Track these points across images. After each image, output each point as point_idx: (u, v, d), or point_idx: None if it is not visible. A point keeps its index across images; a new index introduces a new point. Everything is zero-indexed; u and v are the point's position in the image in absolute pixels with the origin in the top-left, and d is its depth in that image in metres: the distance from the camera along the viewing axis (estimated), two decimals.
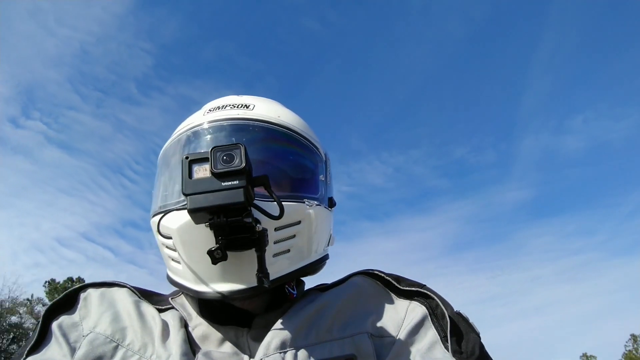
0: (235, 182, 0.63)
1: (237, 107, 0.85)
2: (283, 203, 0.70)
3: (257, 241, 0.66)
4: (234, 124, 0.81)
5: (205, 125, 0.83)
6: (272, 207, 0.70)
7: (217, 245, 0.64)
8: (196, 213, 0.63)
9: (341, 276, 0.86)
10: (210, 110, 0.86)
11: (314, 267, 0.84)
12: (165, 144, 0.90)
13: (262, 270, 0.66)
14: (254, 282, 0.68)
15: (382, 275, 0.82)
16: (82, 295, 0.78)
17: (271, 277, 0.70)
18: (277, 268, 0.74)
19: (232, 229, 0.64)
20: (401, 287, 0.79)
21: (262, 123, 0.82)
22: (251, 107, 0.85)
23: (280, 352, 0.67)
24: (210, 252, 0.63)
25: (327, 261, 0.91)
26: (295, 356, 0.67)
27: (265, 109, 0.86)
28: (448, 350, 0.68)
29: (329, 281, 0.87)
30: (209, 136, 0.82)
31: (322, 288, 0.84)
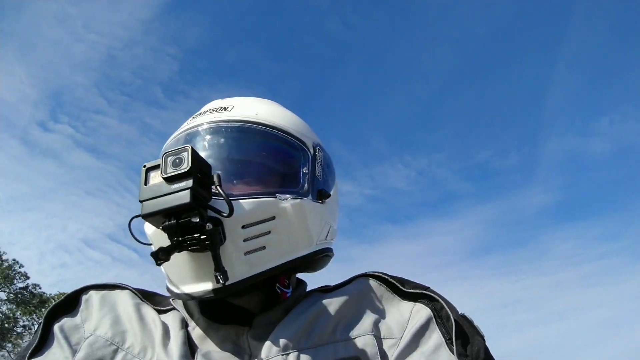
0: (182, 184, 0.64)
1: (216, 110, 0.86)
2: (253, 200, 0.72)
3: (207, 240, 0.66)
4: (207, 128, 0.82)
5: (184, 134, 0.84)
6: (243, 205, 0.71)
7: (159, 247, 0.64)
8: (150, 218, 0.65)
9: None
10: (192, 117, 0.88)
11: (309, 261, 0.82)
12: None
13: (218, 269, 0.66)
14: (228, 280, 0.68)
15: (386, 277, 0.81)
16: (84, 297, 0.78)
17: (246, 275, 0.71)
18: (253, 266, 0.73)
19: (183, 230, 0.65)
20: (405, 290, 0.78)
21: (234, 123, 0.82)
22: (229, 108, 0.85)
23: (282, 355, 0.66)
24: (153, 254, 0.64)
25: (333, 257, 0.89)
26: (298, 358, 0.66)
27: (243, 109, 0.85)
28: (453, 353, 0.67)
29: (334, 283, 0.85)
30: (187, 144, 0.82)
31: (325, 290, 0.83)
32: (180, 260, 0.69)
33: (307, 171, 0.84)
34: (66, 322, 0.73)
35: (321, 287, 0.86)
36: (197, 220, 0.64)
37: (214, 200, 0.68)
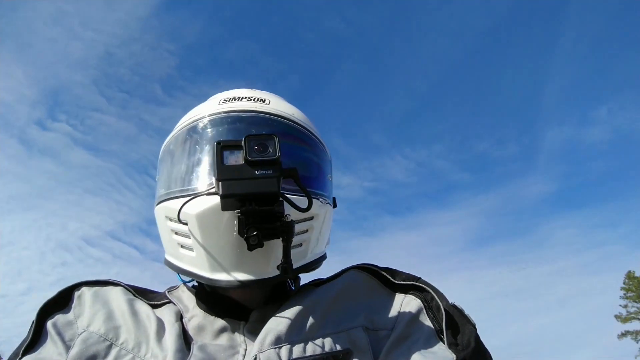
0: (269, 172, 0.64)
1: (253, 100, 0.86)
2: (301, 198, 0.72)
3: (285, 231, 0.66)
4: (252, 116, 0.82)
5: (223, 115, 0.83)
6: (296, 200, 0.71)
7: (255, 232, 0.64)
8: (228, 199, 0.64)
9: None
10: (225, 100, 0.87)
11: (315, 264, 0.85)
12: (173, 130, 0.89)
13: (287, 261, 0.66)
14: (269, 273, 0.70)
15: (377, 269, 0.81)
16: (76, 294, 0.78)
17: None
18: (294, 261, 0.74)
19: (261, 217, 0.65)
20: (396, 281, 0.78)
21: (279, 118, 0.84)
22: (267, 101, 0.86)
23: (275, 348, 0.66)
24: (246, 238, 0.64)
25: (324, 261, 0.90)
26: (290, 351, 0.66)
27: (281, 105, 0.87)
28: (444, 343, 0.67)
29: (324, 276, 0.86)
30: (226, 126, 0.82)
31: (317, 283, 0.83)
32: (225, 246, 0.69)
33: (330, 178, 0.89)
34: (59, 318, 0.73)
35: (313, 280, 0.86)
36: (280, 210, 0.64)
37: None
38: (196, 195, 0.74)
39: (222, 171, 0.64)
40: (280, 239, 0.66)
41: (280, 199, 0.66)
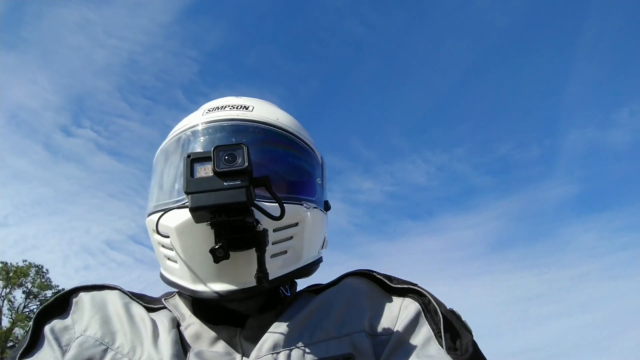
0: (237, 182, 0.63)
1: (236, 108, 0.85)
2: (285, 204, 0.71)
3: (257, 241, 0.66)
4: (233, 125, 0.82)
5: (204, 126, 0.83)
6: (272, 208, 0.71)
7: (220, 244, 0.64)
8: (197, 212, 0.64)
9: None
10: (209, 110, 0.86)
11: (308, 269, 0.85)
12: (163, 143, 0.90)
13: (262, 271, 0.66)
14: (250, 283, 0.69)
15: (374, 274, 0.81)
16: (74, 299, 0.78)
17: (272, 277, 0.72)
18: (274, 269, 0.74)
19: (232, 228, 0.65)
20: (393, 285, 0.78)
21: (261, 125, 0.83)
22: (250, 108, 0.85)
23: (272, 353, 0.66)
24: (212, 251, 0.63)
25: (321, 264, 0.90)
26: (289, 356, 0.66)
27: (264, 111, 0.86)
28: (442, 347, 0.67)
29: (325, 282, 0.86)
30: (208, 136, 0.82)
31: (315, 289, 0.83)
32: (204, 257, 0.68)
33: (320, 182, 0.88)
34: (56, 323, 0.73)
35: (310, 286, 0.86)
36: (251, 220, 0.64)
37: (256, 201, 0.68)
38: (167, 210, 0.75)
39: (190, 184, 0.64)
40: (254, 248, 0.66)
41: (252, 208, 0.66)
